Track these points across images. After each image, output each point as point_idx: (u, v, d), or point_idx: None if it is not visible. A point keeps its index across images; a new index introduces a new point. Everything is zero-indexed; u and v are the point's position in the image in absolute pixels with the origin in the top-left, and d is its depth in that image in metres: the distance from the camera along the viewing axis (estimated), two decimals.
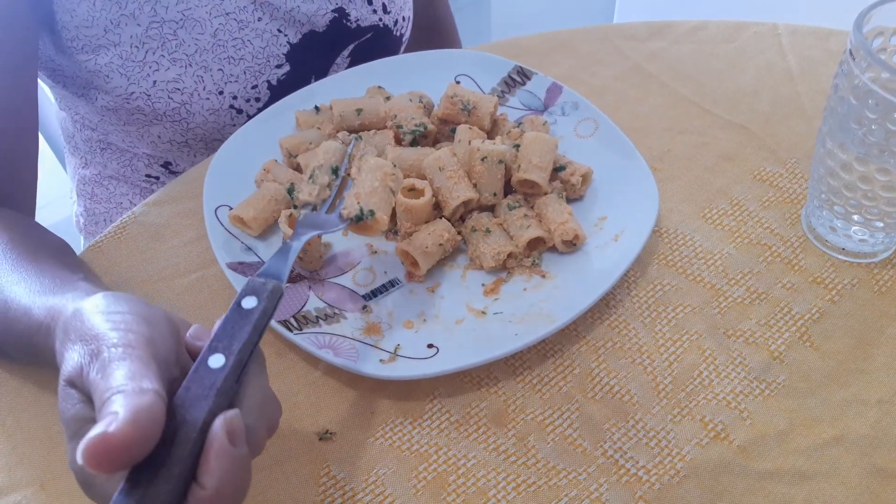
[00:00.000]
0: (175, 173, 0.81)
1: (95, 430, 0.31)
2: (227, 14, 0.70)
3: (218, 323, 0.39)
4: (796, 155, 0.66)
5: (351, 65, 0.79)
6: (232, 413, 0.35)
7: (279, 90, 0.74)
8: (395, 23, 0.80)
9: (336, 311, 0.55)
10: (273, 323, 0.52)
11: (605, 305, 0.56)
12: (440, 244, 0.56)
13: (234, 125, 0.74)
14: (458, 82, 0.69)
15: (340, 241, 0.60)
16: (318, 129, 0.66)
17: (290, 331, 0.52)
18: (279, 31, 0.73)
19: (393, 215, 0.55)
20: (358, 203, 0.52)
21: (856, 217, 0.55)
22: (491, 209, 0.61)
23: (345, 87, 0.69)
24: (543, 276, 0.57)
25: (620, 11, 1.81)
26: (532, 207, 0.60)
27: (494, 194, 0.60)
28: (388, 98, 0.67)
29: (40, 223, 0.62)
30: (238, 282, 0.55)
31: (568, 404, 0.51)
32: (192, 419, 0.34)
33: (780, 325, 0.55)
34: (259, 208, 0.59)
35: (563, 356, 0.54)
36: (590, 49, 0.77)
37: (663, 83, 0.73)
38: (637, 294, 0.57)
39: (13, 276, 0.50)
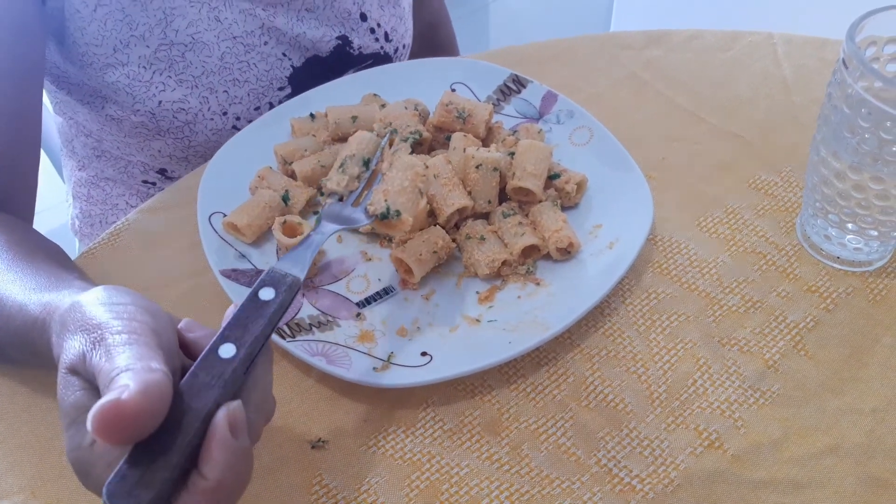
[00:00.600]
0: (171, 179, 0.81)
1: (107, 397, 0.31)
2: (234, 38, 0.71)
3: (230, 311, 0.38)
4: (791, 164, 0.66)
5: None
6: (234, 404, 0.34)
7: None
8: (396, 50, 0.81)
9: (329, 318, 0.55)
10: None
11: (599, 313, 0.56)
12: (434, 252, 0.56)
13: None
14: (453, 90, 0.69)
15: (335, 248, 0.60)
16: (314, 136, 0.66)
17: (283, 338, 0.52)
18: (284, 54, 0.74)
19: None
20: (385, 201, 0.52)
21: (850, 226, 0.55)
22: (485, 217, 0.60)
23: (340, 94, 0.69)
24: (538, 284, 0.57)
25: (617, 20, 1.82)
26: (527, 215, 0.60)
27: (489, 202, 0.60)
28: (383, 105, 0.67)
29: (36, 229, 0.62)
30: (231, 289, 0.55)
31: (562, 413, 0.51)
32: (198, 407, 0.34)
33: (775, 334, 0.55)
34: (253, 215, 0.59)
35: (557, 364, 0.53)
36: (586, 58, 0.77)
37: (659, 92, 0.73)
38: (631, 302, 0.57)
39: (8, 274, 0.50)
